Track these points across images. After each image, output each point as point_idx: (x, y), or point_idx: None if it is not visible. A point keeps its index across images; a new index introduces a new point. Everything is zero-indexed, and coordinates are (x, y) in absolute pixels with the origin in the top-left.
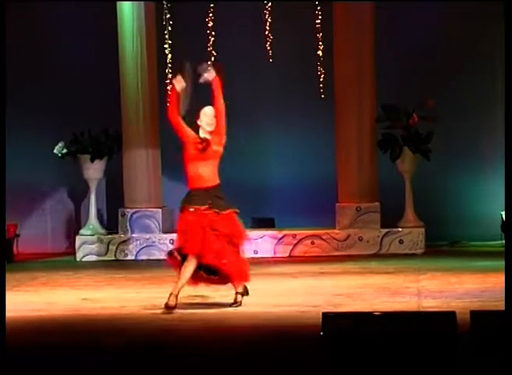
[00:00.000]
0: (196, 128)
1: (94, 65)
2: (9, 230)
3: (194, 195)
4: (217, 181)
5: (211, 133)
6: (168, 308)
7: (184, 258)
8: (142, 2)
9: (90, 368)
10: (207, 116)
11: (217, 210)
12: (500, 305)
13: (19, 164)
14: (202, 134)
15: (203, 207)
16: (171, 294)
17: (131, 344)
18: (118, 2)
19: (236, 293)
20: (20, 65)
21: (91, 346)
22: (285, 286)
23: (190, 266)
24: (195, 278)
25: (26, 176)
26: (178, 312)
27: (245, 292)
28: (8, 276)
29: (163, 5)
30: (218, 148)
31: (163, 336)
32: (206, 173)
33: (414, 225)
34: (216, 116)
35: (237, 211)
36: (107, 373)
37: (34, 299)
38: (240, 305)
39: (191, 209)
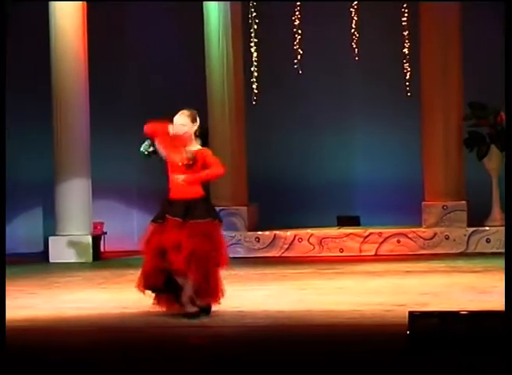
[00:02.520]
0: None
1: (180, 64)
2: (96, 227)
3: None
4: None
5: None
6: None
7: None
8: (228, 2)
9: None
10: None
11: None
12: None
13: (106, 163)
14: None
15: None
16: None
17: (217, 341)
18: (204, 2)
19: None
20: (105, 65)
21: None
22: (370, 284)
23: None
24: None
25: (113, 174)
26: (261, 309)
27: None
28: (94, 273)
29: (249, 4)
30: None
31: (250, 333)
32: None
33: (501, 224)
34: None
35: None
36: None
37: (120, 297)
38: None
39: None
